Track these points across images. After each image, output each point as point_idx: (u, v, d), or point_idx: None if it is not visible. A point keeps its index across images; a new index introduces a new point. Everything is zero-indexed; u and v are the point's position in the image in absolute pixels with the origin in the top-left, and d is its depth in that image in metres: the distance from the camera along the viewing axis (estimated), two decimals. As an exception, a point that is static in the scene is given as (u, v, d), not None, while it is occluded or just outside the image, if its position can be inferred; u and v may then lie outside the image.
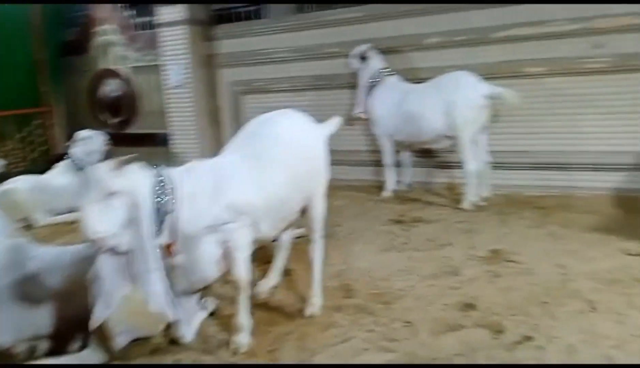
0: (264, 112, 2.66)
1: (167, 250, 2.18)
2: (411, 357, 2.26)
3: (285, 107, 5.40)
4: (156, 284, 2.05)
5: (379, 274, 3.15)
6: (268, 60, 5.62)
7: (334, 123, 2.90)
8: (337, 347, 2.40)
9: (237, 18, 5.85)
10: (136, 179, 2.05)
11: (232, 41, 5.79)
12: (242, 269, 2.33)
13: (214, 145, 6.05)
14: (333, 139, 5.20)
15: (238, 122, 5.94)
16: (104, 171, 1.98)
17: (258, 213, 2.35)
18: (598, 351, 2.17)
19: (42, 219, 4.67)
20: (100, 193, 1.95)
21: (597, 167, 4.30)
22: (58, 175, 4.98)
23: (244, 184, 2.32)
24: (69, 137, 5.49)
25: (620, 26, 4.07)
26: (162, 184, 2.12)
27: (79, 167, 5.01)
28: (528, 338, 2.33)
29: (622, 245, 3.22)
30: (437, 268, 3.15)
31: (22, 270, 2.33)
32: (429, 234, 3.75)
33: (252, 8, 5.81)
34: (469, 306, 2.66)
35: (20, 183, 4.75)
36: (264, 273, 3.02)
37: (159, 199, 2.09)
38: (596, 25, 4.15)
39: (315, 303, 2.72)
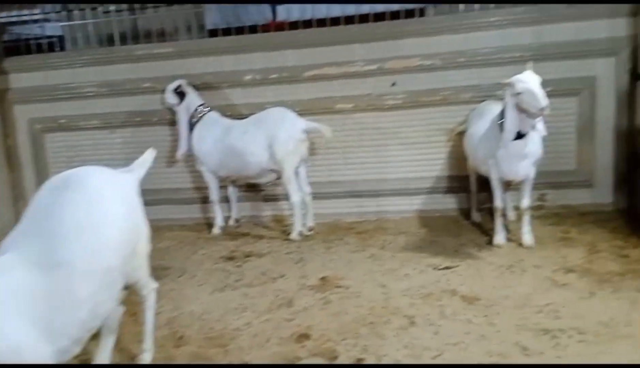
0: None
1: None
2: (252, 399, 2.21)
3: (97, 145, 5.09)
4: None
5: (214, 315, 3.04)
6: (73, 95, 5.13)
7: (148, 158, 2.47)
8: (172, 402, 2.24)
9: (33, 50, 5.27)
10: None
11: (28, 75, 5.17)
12: None
13: (10, 190, 5.30)
14: (157, 178, 4.96)
15: (40, 164, 5.30)
16: None
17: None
18: (421, 363, 2.38)
19: None
20: None
21: (403, 192, 4.79)
22: None
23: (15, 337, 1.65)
24: None
25: (409, 66, 4.64)
26: None
27: None
28: (360, 360, 2.46)
29: (430, 260, 3.62)
30: (271, 302, 3.17)
31: None
32: (261, 268, 3.76)
33: (53, 39, 5.30)
34: (304, 336, 2.72)
35: None
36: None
37: None
38: (390, 65, 4.66)
39: (146, 358, 2.50)
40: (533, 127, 3.47)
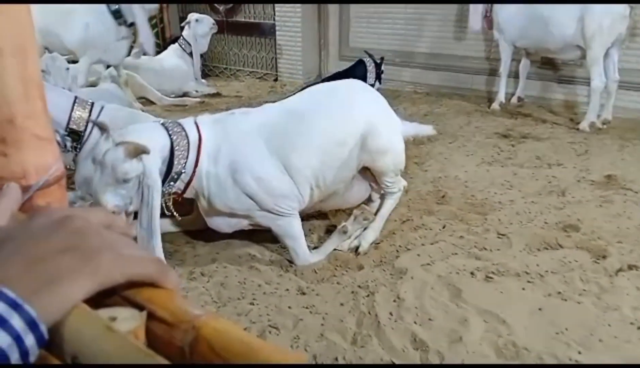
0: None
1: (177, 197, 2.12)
2: (500, 268, 2.19)
3: (386, 18, 5.14)
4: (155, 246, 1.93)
5: (477, 185, 3.03)
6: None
7: (425, 131, 2.65)
8: (425, 247, 2.38)
9: None
10: (149, 160, 1.87)
11: None
12: (302, 256, 2.22)
13: (316, 41, 5.91)
14: (447, 43, 4.87)
15: (343, 17, 5.71)
16: (119, 158, 1.83)
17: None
18: None
19: (162, 98, 4.84)
20: (114, 178, 1.85)
21: None
22: (169, 57, 5.16)
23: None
24: (182, 19, 5.63)
25: None
26: (178, 146, 1.96)
27: (187, 51, 5.14)
28: (632, 267, 2.17)
29: None
30: (541, 187, 2.97)
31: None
32: (537, 152, 3.51)
33: None
34: (572, 227, 2.51)
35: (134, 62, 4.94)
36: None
37: (173, 163, 1.96)
38: None
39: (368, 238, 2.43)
40: None
